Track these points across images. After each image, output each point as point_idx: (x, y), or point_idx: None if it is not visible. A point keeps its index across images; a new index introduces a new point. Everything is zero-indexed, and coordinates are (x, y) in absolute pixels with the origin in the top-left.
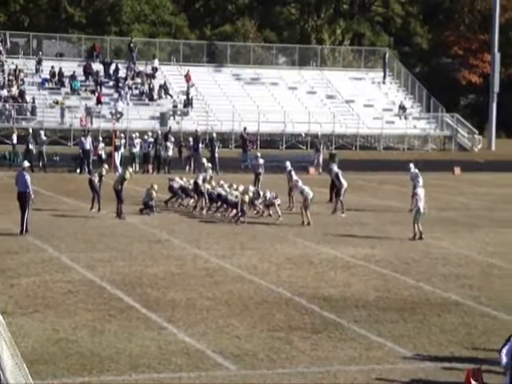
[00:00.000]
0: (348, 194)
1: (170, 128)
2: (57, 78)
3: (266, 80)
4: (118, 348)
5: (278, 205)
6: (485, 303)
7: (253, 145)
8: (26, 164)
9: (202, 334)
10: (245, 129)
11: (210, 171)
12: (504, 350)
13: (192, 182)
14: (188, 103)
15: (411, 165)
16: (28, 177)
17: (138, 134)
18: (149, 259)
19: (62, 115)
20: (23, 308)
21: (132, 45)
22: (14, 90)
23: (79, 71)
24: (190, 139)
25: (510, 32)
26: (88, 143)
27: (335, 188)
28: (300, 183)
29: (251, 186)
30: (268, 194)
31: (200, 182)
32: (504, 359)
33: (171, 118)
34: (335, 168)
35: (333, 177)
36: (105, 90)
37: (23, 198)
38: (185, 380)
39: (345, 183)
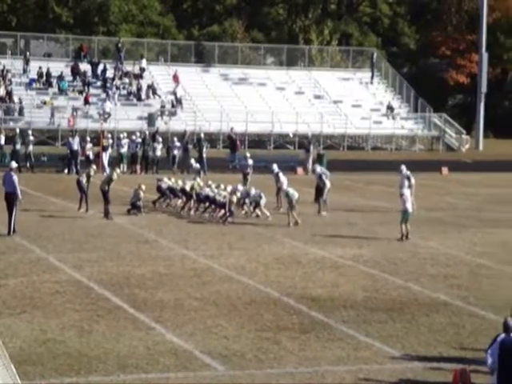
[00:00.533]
0: (336, 194)
1: (158, 129)
2: (44, 78)
3: (253, 80)
4: (105, 348)
5: (264, 205)
6: (473, 303)
7: (241, 144)
8: (14, 165)
9: (190, 335)
10: (232, 129)
11: (199, 179)
12: (490, 351)
13: (180, 182)
14: (177, 103)
15: (402, 166)
16: (15, 177)
17: (125, 135)
18: (136, 259)
19: (52, 115)
20: (11, 308)
21: (120, 45)
22: (2, 91)
23: (67, 71)
24: (175, 139)
25: (498, 32)
26: (76, 143)
27: (319, 188)
28: (285, 186)
29: (240, 185)
30: (252, 191)
31: (187, 188)
32: (490, 359)
33: (159, 118)
34: (318, 169)
35: (316, 177)
36: (92, 91)
37: (10, 199)
38: (173, 380)
39: (328, 184)
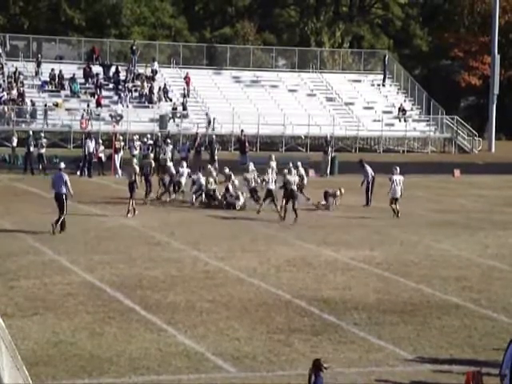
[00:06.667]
0: (347, 195)
1: (169, 132)
2: (57, 80)
3: (265, 82)
4: (117, 350)
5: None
6: (485, 305)
7: (251, 146)
8: (63, 165)
9: (202, 337)
10: (242, 131)
11: (214, 173)
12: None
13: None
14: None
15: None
16: (66, 177)
17: (137, 137)
18: (148, 261)
19: (45, 116)
20: (23, 310)
21: (134, 47)
22: (14, 93)
23: (79, 74)
24: (185, 141)
25: (510, 34)
26: (92, 146)
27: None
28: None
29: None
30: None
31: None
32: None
33: (171, 120)
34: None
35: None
36: (104, 93)
37: (61, 199)
38: (184, 382)
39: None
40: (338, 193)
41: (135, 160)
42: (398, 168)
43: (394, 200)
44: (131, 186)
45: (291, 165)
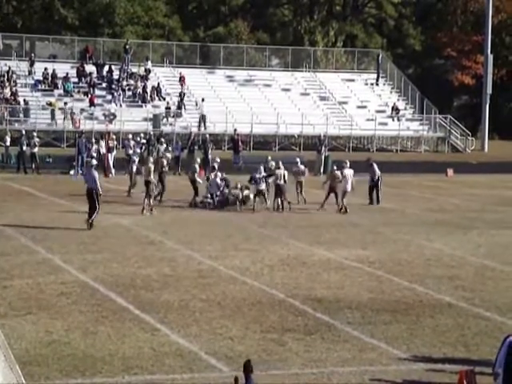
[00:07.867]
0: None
1: (162, 131)
2: (50, 79)
3: (259, 81)
4: (110, 350)
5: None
6: (478, 304)
7: (245, 145)
8: (94, 162)
9: (195, 336)
10: (235, 130)
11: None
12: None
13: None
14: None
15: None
16: (96, 174)
17: (131, 136)
18: (142, 261)
19: (66, 117)
20: (16, 310)
21: (128, 46)
22: (7, 92)
23: (72, 73)
24: (178, 140)
25: (503, 33)
26: (103, 147)
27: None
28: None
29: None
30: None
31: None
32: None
33: (164, 119)
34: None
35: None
36: (98, 92)
37: (92, 194)
38: (178, 382)
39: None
40: (339, 173)
41: (151, 159)
42: (348, 162)
43: (344, 194)
44: (147, 185)
45: (299, 161)
